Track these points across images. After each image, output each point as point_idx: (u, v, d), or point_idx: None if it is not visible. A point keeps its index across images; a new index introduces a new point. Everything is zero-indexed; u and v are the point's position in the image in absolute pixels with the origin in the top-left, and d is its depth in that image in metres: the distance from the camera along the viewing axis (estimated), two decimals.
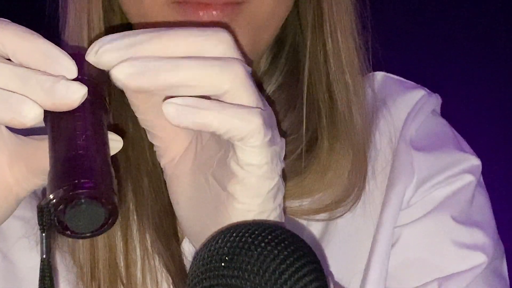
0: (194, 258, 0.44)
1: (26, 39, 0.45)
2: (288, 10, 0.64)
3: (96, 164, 0.43)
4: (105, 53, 0.45)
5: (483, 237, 0.67)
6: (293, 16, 0.67)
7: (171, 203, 0.64)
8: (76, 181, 0.42)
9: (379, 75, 0.73)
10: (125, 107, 0.63)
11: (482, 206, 0.70)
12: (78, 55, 0.46)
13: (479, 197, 0.70)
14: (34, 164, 0.48)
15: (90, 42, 0.61)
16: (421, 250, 0.66)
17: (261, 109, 0.46)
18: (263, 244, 0.42)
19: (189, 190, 0.51)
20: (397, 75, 0.74)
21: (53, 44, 0.45)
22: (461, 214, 0.68)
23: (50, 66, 0.44)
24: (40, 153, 0.48)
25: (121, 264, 0.62)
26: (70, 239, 0.62)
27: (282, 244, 0.43)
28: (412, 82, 0.75)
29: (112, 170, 0.44)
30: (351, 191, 0.66)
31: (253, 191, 0.47)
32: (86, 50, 0.46)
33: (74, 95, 0.44)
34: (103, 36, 0.57)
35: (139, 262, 0.63)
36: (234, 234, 0.43)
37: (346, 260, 0.66)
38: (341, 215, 0.66)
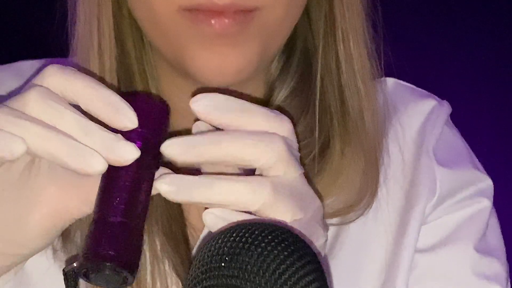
0: (195, 258, 0.44)
1: (95, 90, 0.50)
2: (299, 16, 0.63)
3: (124, 232, 0.47)
4: (168, 147, 0.49)
5: (499, 266, 0.68)
6: (303, 21, 0.67)
7: (180, 209, 0.65)
8: (101, 249, 0.46)
9: (390, 81, 0.73)
10: None
11: (495, 229, 0.71)
12: (139, 102, 0.50)
13: (492, 219, 0.70)
14: (85, 195, 0.52)
15: (100, 49, 0.62)
16: (442, 280, 0.66)
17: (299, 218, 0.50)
18: (263, 244, 0.42)
19: None
20: (403, 78, 0.74)
21: (118, 95, 0.50)
22: (481, 242, 0.68)
23: (115, 117, 0.49)
24: (90, 186, 0.51)
25: None
26: (78, 240, 0.62)
27: (282, 244, 0.43)
28: (423, 90, 0.75)
29: (141, 234, 0.48)
30: (363, 196, 0.66)
31: None
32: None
33: (127, 156, 0.48)
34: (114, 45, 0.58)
35: (148, 266, 0.63)
36: (234, 234, 0.43)
37: (358, 267, 0.66)
38: (353, 220, 0.66)
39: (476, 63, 2.59)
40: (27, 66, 0.72)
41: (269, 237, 0.43)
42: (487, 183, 0.70)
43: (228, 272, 0.42)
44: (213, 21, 0.57)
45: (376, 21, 0.68)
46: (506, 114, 2.51)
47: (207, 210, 0.49)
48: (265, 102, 0.69)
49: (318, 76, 0.67)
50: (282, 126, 0.51)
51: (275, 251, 0.42)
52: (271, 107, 0.68)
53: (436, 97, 0.74)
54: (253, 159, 0.49)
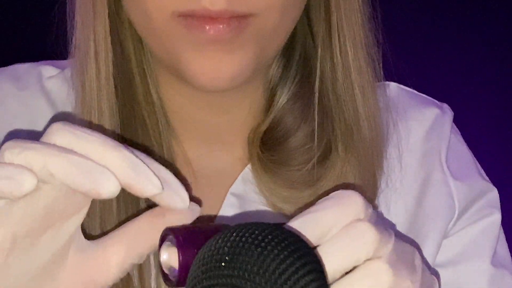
0: (195, 257, 0.44)
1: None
2: (295, 21, 0.63)
3: None
4: None
5: (510, 278, 0.69)
6: (302, 25, 0.67)
7: None
8: None
9: (391, 86, 0.73)
10: (134, 117, 0.64)
11: (502, 238, 0.72)
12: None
13: (500, 230, 0.72)
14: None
15: (96, 54, 0.62)
16: None
17: None
18: (263, 244, 0.42)
19: None
20: (403, 79, 0.74)
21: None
22: (494, 255, 0.69)
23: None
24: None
25: (135, 274, 0.62)
26: None
27: (282, 244, 0.42)
28: (423, 95, 0.75)
29: None
30: None
31: None
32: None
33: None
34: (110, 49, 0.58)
35: (153, 272, 0.62)
36: (234, 234, 0.43)
37: None
38: None
39: (473, 63, 2.61)
40: (23, 69, 0.71)
41: (269, 236, 0.43)
42: (494, 193, 0.71)
43: (228, 271, 0.42)
44: (207, 27, 0.57)
45: (376, 24, 0.68)
46: (504, 115, 2.52)
47: None
48: (266, 106, 0.69)
49: (317, 81, 0.66)
50: None
51: (275, 251, 0.42)
52: (273, 111, 0.69)
53: (437, 102, 0.74)
54: None
